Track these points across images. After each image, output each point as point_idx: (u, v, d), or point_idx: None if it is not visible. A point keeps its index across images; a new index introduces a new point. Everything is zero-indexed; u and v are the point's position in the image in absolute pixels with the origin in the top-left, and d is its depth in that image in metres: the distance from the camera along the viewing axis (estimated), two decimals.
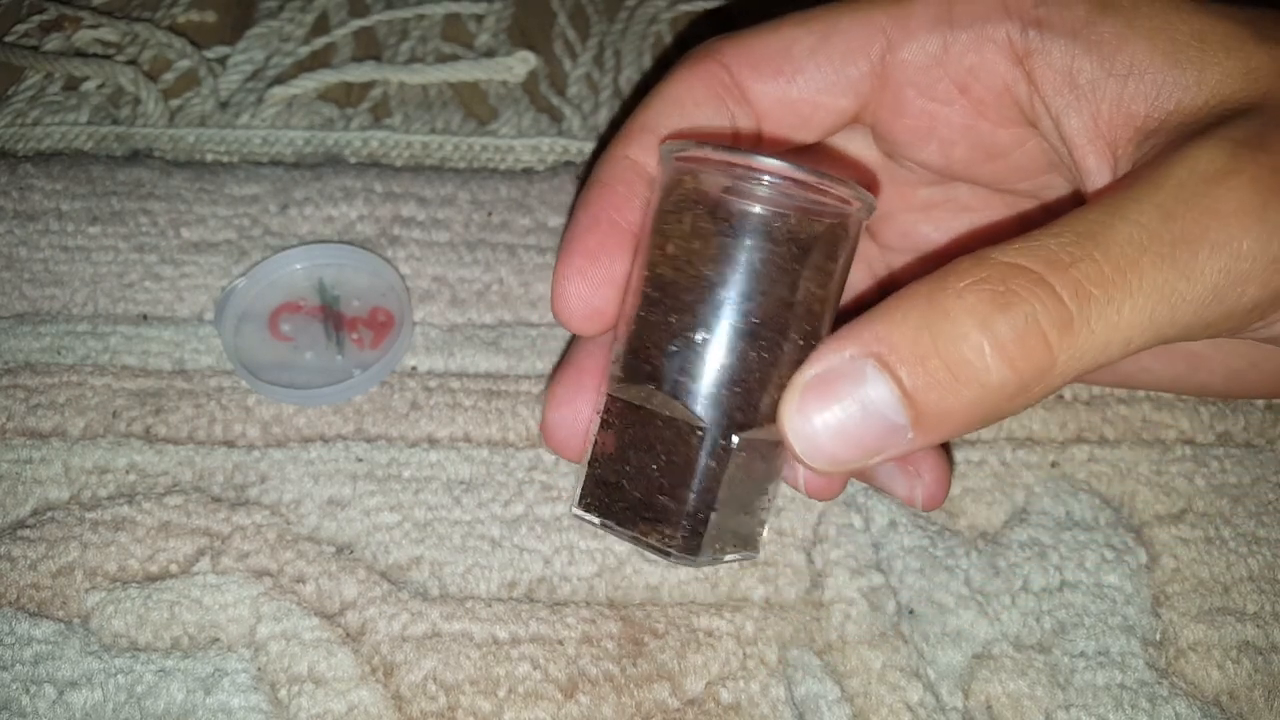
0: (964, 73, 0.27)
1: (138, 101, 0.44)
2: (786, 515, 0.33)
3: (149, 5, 0.48)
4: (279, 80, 0.45)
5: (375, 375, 0.36)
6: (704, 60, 0.28)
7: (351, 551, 0.32)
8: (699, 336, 0.24)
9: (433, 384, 0.36)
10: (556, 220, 0.41)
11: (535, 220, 0.40)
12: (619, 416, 0.25)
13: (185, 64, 0.46)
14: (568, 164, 0.43)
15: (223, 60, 0.46)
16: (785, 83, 0.28)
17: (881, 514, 0.33)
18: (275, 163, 0.42)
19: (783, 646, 0.31)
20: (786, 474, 0.29)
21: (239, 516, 0.33)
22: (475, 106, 0.45)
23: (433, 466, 0.34)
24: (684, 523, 0.24)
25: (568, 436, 0.28)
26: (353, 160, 0.42)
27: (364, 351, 0.36)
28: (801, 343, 0.25)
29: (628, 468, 0.25)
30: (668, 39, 0.48)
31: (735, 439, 0.24)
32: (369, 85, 0.46)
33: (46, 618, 0.30)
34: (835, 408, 0.22)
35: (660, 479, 0.24)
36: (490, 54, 0.47)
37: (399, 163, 0.43)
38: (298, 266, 0.38)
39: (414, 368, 0.37)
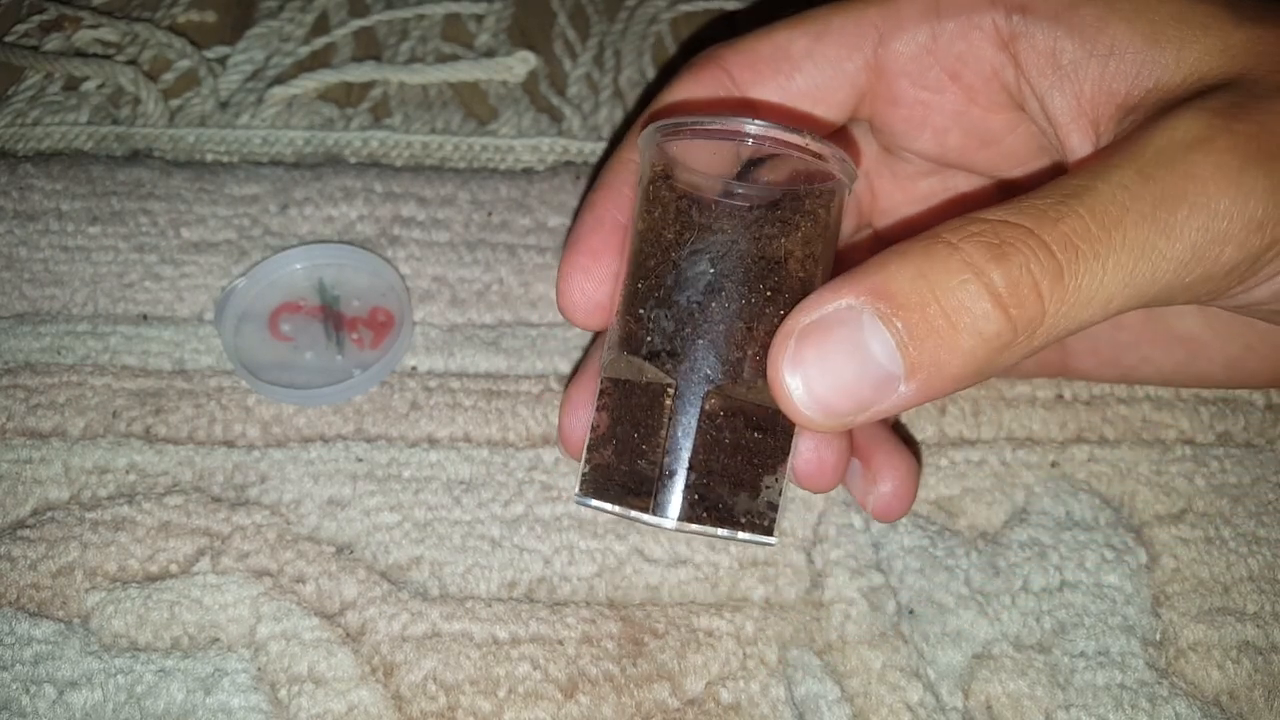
0: (954, 60, 0.28)
1: (138, 101, 0.44)
2: (786, 515, 0.33)
3: (149, 5, 0.48)
4: (279, 80, 0.45)
5: (375, 375, 0.36)
6: (705, 65, 0.29)
7: (351, 551, 0.32)
8: (667, 298, 0.24)
9: (433, 384, 0.36)
10: (556, 220, 0.41)
11: (535, 220, 0.40)
12: (607, 395, 0.26)
13: (185, 64, 0.46)
14: (568, 164, 0.43)
15: (223, 60, 0.46)
16: (784, 81, 0.29)
17: None
18: (275, 163, 0.42)
19: (783, 646, 0.31)
20: None
21: (239, 516, 0.33)
22: (475, 106, 0.45)
23: (433, 466, 0.34)
24: (662, 480, 0.24)
25: (582, 440, 0.28)
26: (353, 160, 0.42)
27: (364, 351, 0.36)
28: (780, 298, 0.24)
29: (615, 442, 0.25)
30: (668, 39, 0.48)
31: (707, 391, 0.24)
32: (369, 85, 0.46)
33: (46, 618, 0.30)
34: (831, 355, 0.22)
35: (640, 444, 0.25)
36: (490, 54, 0.47)
37: (399, 163, 0.43)
38: (298, 266, 0.38)
39: (414, 368, 0.37)
